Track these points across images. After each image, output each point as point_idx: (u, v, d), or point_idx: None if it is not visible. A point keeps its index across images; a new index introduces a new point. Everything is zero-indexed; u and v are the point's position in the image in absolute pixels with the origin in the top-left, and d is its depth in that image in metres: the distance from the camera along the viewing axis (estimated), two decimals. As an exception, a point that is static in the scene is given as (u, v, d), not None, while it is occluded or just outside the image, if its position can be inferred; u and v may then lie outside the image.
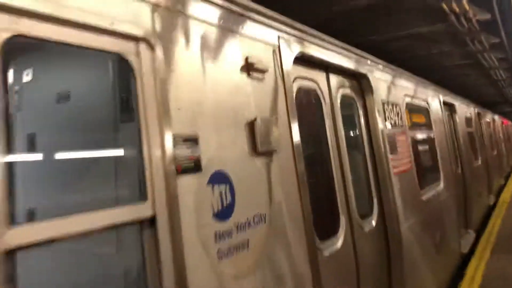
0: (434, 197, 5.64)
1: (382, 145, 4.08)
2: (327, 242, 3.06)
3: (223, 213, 1.94)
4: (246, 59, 2.34)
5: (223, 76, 2.18)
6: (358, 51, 4.13)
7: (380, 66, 4.64)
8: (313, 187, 2.92)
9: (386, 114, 4.38)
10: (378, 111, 4.16)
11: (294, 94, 2.92)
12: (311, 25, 3.34)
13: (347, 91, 3.91)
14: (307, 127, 3.11)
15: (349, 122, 3.84)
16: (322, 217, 3.11)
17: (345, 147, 3.57)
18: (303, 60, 3.14)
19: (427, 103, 6.41)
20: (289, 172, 2.58)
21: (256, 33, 2.52)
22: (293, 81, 2.96)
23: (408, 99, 5.37)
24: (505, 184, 17.06)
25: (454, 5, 5.43)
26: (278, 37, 2.75)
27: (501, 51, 9.69)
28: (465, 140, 8.97)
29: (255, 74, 2.39)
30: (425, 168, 5.72)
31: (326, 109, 3.45)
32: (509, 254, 7.56)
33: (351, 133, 3.90)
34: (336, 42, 3.69)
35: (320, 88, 3.42)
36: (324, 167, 3.38)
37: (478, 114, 12.48)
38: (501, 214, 11.10)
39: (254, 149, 2.25)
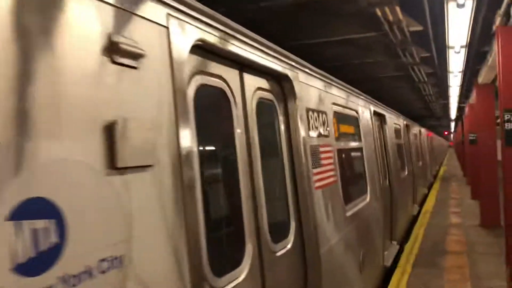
0: (359, 212, 5.36)
1: (303, 157, 3.60)
2: (225, 277, 2.43)
3: (37, 263, 1.27)
4: (109, 37, 1.67)
5: (65, 58, 1.48)
6: (281, 50, 3.54)
7: (307, 70, 4.11)
8: (211, 210, 2.48)
9: (311, 123, 3.92)
10: (301, 118, 3.66)
11: (193, 93, 2.35)
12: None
13: (266, 94, 3.33)
14: (208, 135, 2.60)
15: (267, 130, 3.34)
16: (221, 247, 2.68)
17: (259, 159, 3.03)
18: (207, 51, 2.53)
19: (357, 113, 5.99)
20: (171, 193, 1.94)
21: (128, 3, 1.82)
22: (191, 77, 2.34)
23: (336, 108, 4.95)
24: (428, 194, 17.76)
25: (388, 13, 5.18)
26: (168, 15, 2.08)
27: (430, 65, 9.92)
28: (394, 152, 8.94)
29: (123, 60, 1.72)
30: (351, 181, 5.48)
31: (236, 113, 2.84)
32: (431, 268, 7.53)
33: (268, 143, 3.33)
34: (254, 35, 3.05)
35: (230, 88, 2.81)
36: (229, 184, 2.83)
37: (407, 126, 12.72)
38: (424, 224, 11.35)
39: (112, 164, 1.62)
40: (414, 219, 11.92)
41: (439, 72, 9.74)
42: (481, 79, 9.65)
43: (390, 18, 5.48)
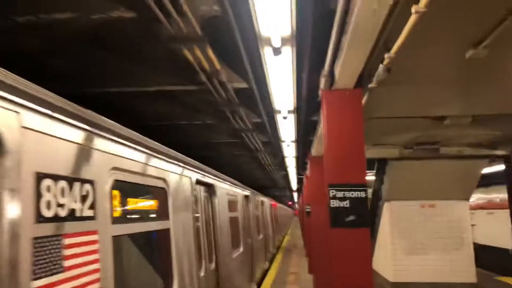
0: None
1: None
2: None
3: None
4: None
5: None
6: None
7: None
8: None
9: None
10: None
11: None
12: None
13: None
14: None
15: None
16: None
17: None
18: None
19: (165, 182, 4.80)
20: None
21: None
22: None
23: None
24: (269, 267, 17.14)
25: (202, 59, 4.16)
26: None
27: (264, 133, 9.51)
28: (226, 227, 8.11)
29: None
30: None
31: None
32: None
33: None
34: None
35: None
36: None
37: (246, 197, 12.03)
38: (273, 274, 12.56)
39: None
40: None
41: (273, 141, 9.36)
42: (313, 150, 9.57)
43: (207, 67, 4.47)
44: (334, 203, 4.79)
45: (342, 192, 4.79)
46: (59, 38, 3.93)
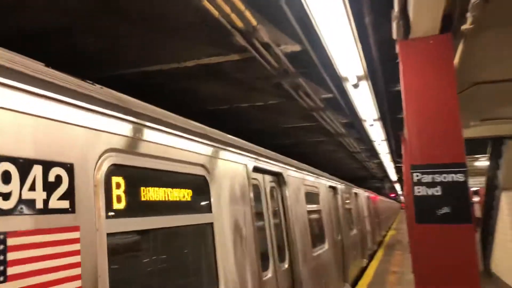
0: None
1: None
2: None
3: None
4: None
5: None
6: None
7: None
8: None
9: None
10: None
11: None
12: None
13: None
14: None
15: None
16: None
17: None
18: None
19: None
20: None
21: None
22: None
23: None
24: (368, 265, 15.75)
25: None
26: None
27: (339, 111, 8.36)
28: (302, 222, 7.83)
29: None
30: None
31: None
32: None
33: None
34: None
35: None
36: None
37: (332, 188, 10.97)
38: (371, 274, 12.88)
39: None
40: (364, 270, 14.15)
41: (354, 122, 8.10)
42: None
43: (241, 25, 3.68)
44: (420, 191, 3.64)
45: (430, 176, 3.61)
46: (83, 13, 3.48)
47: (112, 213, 2.65)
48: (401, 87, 3.88)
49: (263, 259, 5.20)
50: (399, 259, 17.20)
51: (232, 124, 6.95)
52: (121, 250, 2.77)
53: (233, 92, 5.89)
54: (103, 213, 2.50)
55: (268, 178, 5.97)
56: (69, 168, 2.29)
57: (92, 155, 2.50)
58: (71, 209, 2.26)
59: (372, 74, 5.08)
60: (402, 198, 66.38)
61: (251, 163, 5.15)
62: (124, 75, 4.66)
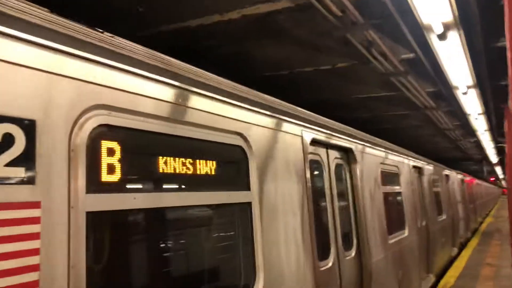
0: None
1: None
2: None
3: None
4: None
5: None
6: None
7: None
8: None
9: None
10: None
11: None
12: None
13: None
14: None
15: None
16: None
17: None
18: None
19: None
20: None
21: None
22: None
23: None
24: (458, 254, 14.13)
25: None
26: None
27: (424, 77, 7.07)
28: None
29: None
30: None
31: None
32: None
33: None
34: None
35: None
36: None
37: (417, 168, 9.69)
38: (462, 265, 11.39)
39: None
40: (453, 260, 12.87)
41: (443, 90, 6.73)
42: None
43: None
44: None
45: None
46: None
47: (98, 187, 2.10)
48: (507, 41, 2.81)
49: (322, 246, 4.46)
50: (497, 250, 15.19)
51: (294, 93, 6.15)
52: (112, 234, 2.23)
53: (292, 53, 5.08)
54: (82, 186, 1.96)
55: (333, 153, 5.14)
56: (27, 126, 1.76)
57: (68, 112, 1.94)
58: (27, 180, 1.73)
59: (465, 23, 3.91)
60: (503, 182, 59.64)
61: (308, 134, 4.36)
62: (163, 34, 4.14)
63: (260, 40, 4.58)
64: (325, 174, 4.90)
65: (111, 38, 2.31)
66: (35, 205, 1.75)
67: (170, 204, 2.52)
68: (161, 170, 2.50)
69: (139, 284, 2.44)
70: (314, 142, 4.55)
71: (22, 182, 1.71)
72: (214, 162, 2.95)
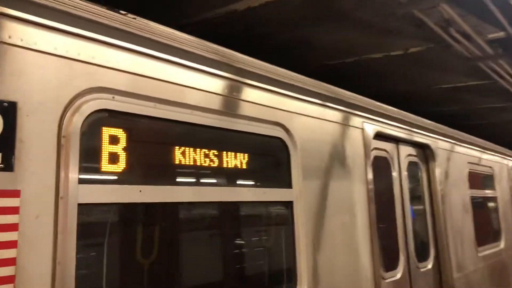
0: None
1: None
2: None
3: None
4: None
5: None
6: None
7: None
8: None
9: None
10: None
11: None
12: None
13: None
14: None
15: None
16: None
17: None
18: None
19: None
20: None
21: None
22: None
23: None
24: None
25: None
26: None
27: None
28: (461, 208, 6.18)
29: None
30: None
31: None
32: None
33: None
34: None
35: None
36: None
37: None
38: None
39: None
40: None
41: None
42: None
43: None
44: None
45: None
46: None
47: (95, 177, 1.92)
48: None
49: (389, 255, 3.92)
50: None
51: (362, 84, 5.57)
52: (111, 230, 2.03)
53: (357, 38, 4.57)
54: (74, 176, 1.79)
55: (405, 149, 4.53)
56: (5, 108, 1.62)
57: (58, 94, 1.78)
58: (5, 166, 1.59)
59: None
60: None
61: (371, 127, 3.86)
62: (209, 21, 3.94)
63: (319, 25, 4.16)
64: (394, 173, 4.31)
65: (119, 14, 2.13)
66: (14, 193, 1.61)
67: (185, 199, 2.26)
68: (177, 162, 2.27)
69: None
70: (380, 136, 4.02)
71: (-3, 168, 1.57)
72: (246, 155, 2.64)
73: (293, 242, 2.82)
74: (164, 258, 2.25)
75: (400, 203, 4.28)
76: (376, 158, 3.99)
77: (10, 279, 1.56)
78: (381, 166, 4.12)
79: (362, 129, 3.73)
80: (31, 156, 1.66)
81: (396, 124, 4.31)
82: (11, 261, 1.58)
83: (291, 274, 2.79)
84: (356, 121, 3.66)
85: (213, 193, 2.41)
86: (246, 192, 2.60)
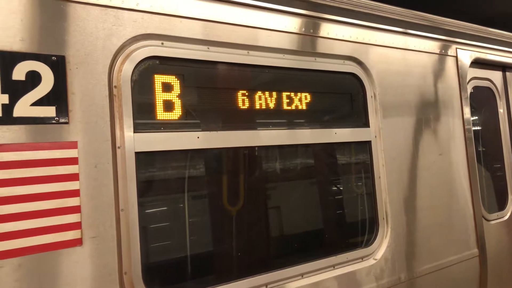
0: None
1: None
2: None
3: None
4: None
5: None
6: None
7: None
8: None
9: None
10: None
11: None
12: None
13: None
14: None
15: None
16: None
17: None
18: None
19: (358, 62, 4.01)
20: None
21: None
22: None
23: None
24: None
25: None
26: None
27: None
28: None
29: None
30: None
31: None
32: None
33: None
34: None
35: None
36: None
37: None
38: None
39: None
40: None
41: None
42: None
43: None
44: None
45: None
46: None
47: (150, 126, 1.90)
48: None
49: (496, 196, 3.49)
50: None
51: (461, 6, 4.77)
52: (168, 178, 2.02)
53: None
54: (129, 125, 1.79)
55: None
56: (54, 62, 1.65)
57: (104, 44, 1.77)
58: (60, 118, 1.64)
59: None
60: None
61: (466, 53, 3.32)
62: None
63: None
64: (501, 105, 3.72)
65: None
66: (71, 145, 1.66)
67: (252, 143, 2.17)
68: (240, 106, 2.17)
69: (207, 231, 2.20)
70: (479, 63, 3.46)
71: (53, 121, 1.62)
72: (315, 95, 2.44)
73: (372, 183, 2.60)
74: (246, 206, 2.22)
75: (507, 139, 3.71)
76: (476, 88, 3.46)
77: (76, 225, 1.65)
78: (483, 98, 3.57)
79: (455, 56, 3.22)
80: (84, 108, 1.69)
81: (502, 47, 3.67)
82: (76, 209, 1.65)
83: (374, 217, 2.59)
84: (446, 47, 3.17)
85: (278, 136, 2.28)
86: (310, 135, 2.42)
